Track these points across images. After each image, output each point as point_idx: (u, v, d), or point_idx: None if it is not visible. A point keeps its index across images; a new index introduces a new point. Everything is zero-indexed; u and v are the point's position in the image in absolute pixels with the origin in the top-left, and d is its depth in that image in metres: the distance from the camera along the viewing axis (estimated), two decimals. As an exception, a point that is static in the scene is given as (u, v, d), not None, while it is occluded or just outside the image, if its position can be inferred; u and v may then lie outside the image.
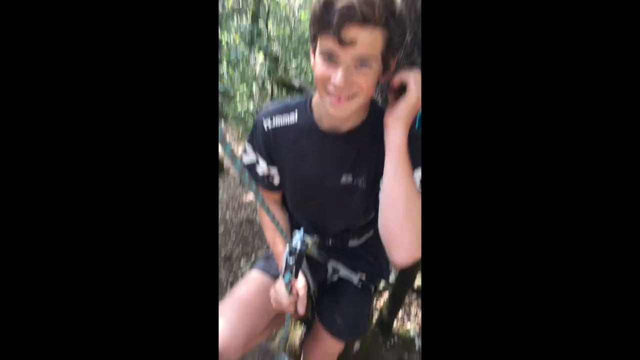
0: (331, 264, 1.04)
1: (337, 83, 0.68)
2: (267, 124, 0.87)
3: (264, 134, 0.87)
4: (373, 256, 1.06)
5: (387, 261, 1.10)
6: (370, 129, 0.81)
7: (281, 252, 0.91)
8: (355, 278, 1.04)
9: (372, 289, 1.08)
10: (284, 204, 1.03)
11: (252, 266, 1.06)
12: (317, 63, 0.71)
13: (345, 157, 0.85)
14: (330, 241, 0.99)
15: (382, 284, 1.12)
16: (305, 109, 0.86)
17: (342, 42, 0.64)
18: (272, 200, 1.00)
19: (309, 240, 0.93)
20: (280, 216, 0.99)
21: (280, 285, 0.83)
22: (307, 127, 0.85)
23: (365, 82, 0.70)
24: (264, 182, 0.94)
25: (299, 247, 0.78)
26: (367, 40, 0.65)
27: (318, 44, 0.70)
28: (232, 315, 0.88)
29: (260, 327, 0.94)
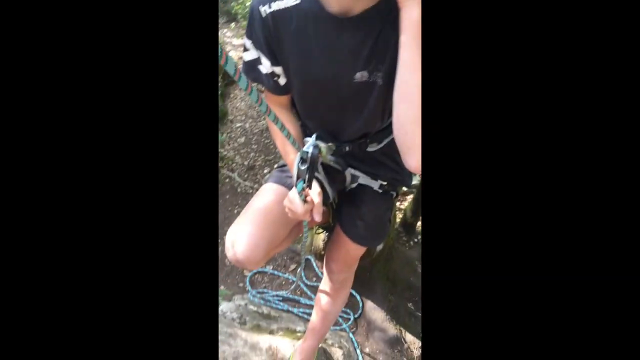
0: (349, 172, 0.99)
1: None
2: (265, 8, 0.73)
3: (261, 22, 0.74)
4: (394, 161, 0.99)
5: None
6: (389, 9, 0.67)
7: (293, 161, 0.86)
8: (375, 184, 1.00)
9: (394, 194, 1.04)
10: (294, 109, 0.94)
11: (266, 179, 1.03)
12: None
13: (360, 48, 0.72)
14: (347, 147, 0.92)
15: (404, 189, 1.08)
16: None
17: None
18: (279, 104, 0.90)
19: (322, 145, 0.86)
20: (290, 122, 0.91)
21: (293, 194, 0.79)
22: (312, 10, 0.71)
23: None
24: (269, 83, 0.83)
25: (310, 153, 0.72)
26: None
27: None
28: (251, 227, 0.88)
29: (280, 237, 0.95)
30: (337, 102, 0.81)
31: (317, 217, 0.80)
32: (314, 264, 1.87)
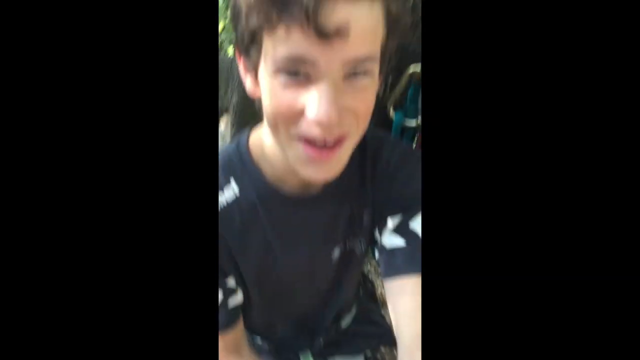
0: None
1: (319, 117, 0.38)
2: None
3: None
4: (372, 323, 0.87)
5: (389, 319, 0.92)
6: (359, 162, 0.55)
7: None
8: (360, 359, 0.86)
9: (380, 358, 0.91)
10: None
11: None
12: (270, 87, 0.41)
13: (334, 224, 0.59)
14: (321, 340, 0.77)
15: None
16: (243, 169, 0.54)
17: (322, 33, 0.35)
18: (236, 344, 0.64)
19: None
20: None
21: None
22: (261, 197, 0.54)
23: (364, 104, 0.42)
24: (225, 315, 0.60)
25: None
26: (366, 24, 0.37)
27: (267, 49, 0.39)
28: None
29: None
30: (310, 295, 0.67)
31: None
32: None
